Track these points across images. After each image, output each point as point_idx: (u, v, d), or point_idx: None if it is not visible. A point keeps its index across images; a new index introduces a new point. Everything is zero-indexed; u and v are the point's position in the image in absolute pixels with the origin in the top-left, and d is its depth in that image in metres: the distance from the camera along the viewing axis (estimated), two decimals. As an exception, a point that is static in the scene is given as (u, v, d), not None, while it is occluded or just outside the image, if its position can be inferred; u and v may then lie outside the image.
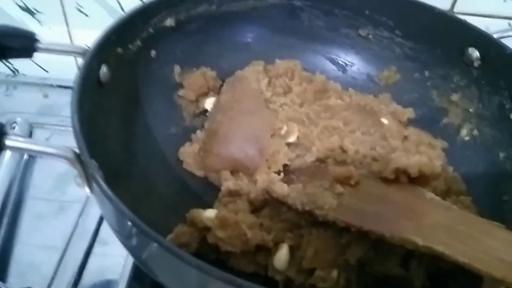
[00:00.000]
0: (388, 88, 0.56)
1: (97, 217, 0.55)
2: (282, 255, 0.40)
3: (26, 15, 0.67)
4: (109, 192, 0.31)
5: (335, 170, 0.42)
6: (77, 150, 0.34)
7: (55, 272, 0.50)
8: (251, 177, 0.46)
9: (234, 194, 0.44)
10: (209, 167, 0.48)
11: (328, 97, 0.53)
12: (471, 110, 0.51)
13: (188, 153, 0.49)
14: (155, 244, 0.30)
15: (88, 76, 0.39)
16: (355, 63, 0.58)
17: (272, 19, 0.56)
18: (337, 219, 0.39)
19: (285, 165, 0.47)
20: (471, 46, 0.49)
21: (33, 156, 0.61)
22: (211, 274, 0.28)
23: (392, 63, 0.56)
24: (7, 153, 0.60)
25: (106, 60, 0.42)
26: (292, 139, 0.49)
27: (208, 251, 0.40)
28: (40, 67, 0.73)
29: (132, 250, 0.36)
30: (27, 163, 0.61)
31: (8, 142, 0.33)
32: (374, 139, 0.49)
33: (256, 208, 0.44)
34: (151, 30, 0.49)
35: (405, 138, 0.51)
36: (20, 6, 0.67)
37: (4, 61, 0.67)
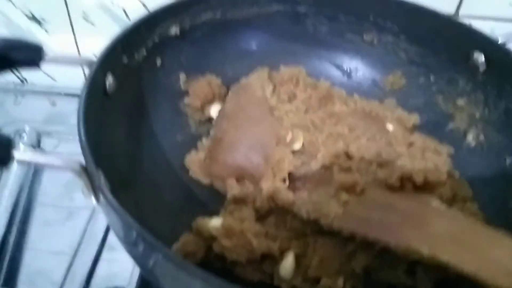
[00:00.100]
0: (393, 93, 0.56)
1: (105, 223, 0.55)
2: (287, 264, 0.40)
3: (33, 25, 0.68)
4: (115, 204, 0.31)
5: (340, 178, 0.42)
6: (83, 161, 0.34)
7: (64, 278, 0.51)
8: (256, 185, 0.46)
9: (239, 201, 0.44)
10: (215, 175, 0.48)
11: (333, 103, 0.53)
12: (477, 115, 0.50)
13: (194, 161, 0.50)
14: (161, 255, 0.30)
15: (94, 87, 0.39)
16: (359, 69, 0.58)
17: (276, 26, 0.56)
18: (342, 228, 0.39)
19: (290, 173, 0.47)
20: (476, 50, 0.49)
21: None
22: (216, 285, 0.28)
23: (397, 68, 0.55)
24: (16, 161, 0.61)
25: (112, 70, 0.42)
26: (297, 146, 0.49)
27: (214, 260, 0.40)
28: (48, 75, 0.74)
29: (137, 259, 0.37)
30: (36, 170, 0.62)
31: (16, 155, 0.34)
32: (379, 145, 0.49)
33: (261, 216, 0.44)
34: (156, 39, 0.49)
35: (411, 144, 0.50)
36: (27, 16, 0.67)
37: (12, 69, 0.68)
